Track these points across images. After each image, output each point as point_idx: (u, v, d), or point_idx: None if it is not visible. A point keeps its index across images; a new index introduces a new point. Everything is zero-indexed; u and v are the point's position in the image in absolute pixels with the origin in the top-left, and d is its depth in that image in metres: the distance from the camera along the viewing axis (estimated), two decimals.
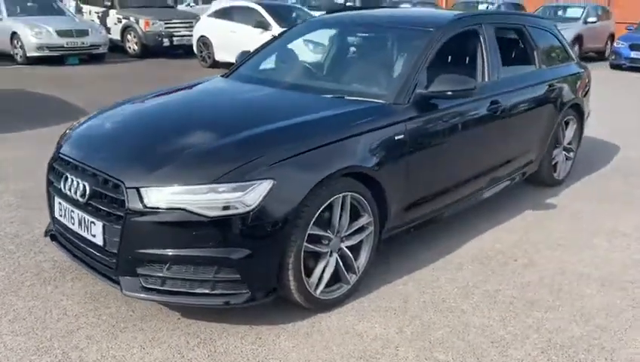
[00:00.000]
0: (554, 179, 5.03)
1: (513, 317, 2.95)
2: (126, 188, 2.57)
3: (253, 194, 2.54)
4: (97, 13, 14.90)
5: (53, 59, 12.18)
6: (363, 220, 3.07)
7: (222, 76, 4.10)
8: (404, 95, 3.32)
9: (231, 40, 11.71)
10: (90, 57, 12.88)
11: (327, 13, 4.97)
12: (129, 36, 14.18)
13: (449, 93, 3.33)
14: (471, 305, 3.07)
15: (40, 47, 11.95)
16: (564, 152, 5.12)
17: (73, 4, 16.01)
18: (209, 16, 12.93)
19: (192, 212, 2.49)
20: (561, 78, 4.90)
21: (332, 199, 2.82)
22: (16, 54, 12.22)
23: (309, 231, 2.73)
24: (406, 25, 3.97)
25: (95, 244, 2.71)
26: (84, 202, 2.71)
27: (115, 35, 14.37)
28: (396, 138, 3.17)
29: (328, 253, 2.92)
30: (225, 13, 12.56)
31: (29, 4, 13.21)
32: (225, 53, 11.95)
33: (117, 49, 14.25)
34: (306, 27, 4.46)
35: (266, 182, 2.57)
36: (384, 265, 3.44)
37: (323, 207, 2.78)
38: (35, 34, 11.92)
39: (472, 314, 2.97)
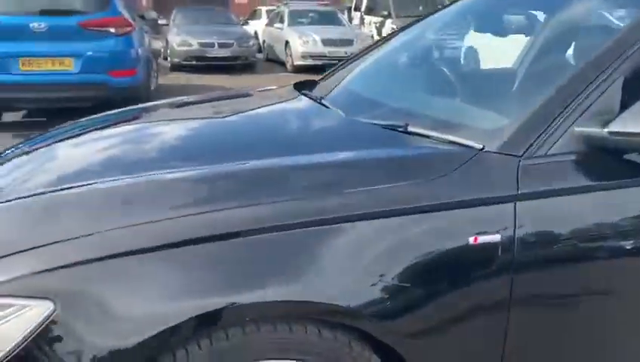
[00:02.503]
0: None
1: None
2: None
3: (6, 328, 1.11)
4: (375, 23, 14.53)
5: (318, 68, 12.16)
6: None
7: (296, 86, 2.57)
8: (532, 134, 1.36)
9: None
10: None
11: None
12: None
13: None
14: None
15: (304, 56, 12.03)
16: None
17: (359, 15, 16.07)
18: None
19: None
20: None
21: None
22: (287, 62, 12.61)
23: None
24: None
25: None
26: None
27: None
28: (479, 243, 1.26)
29: None
30: None
31: (310, 14, 13.59)
32: None
33: None
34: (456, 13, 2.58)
35: (39, 306, 1.11)
36: None
37: None
38: (302, 42, 12.07)
39: None
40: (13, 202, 1.41)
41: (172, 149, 1.71)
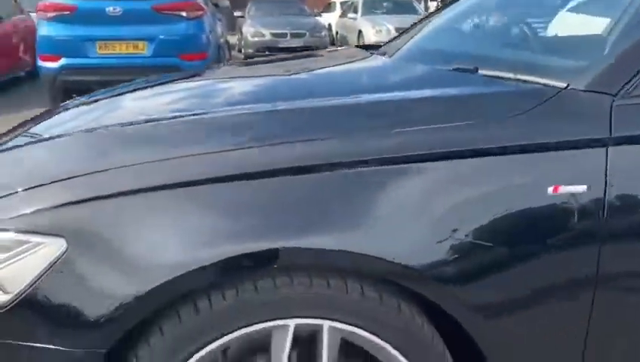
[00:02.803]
0: None
1: None
2: None
3: (16, 268, 1.02)
4: None
5: None
6: None
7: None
8: (630, 70, 1.12)
9: None
10: None
11: None
12: None
13: None
14: None
15: None
16: None
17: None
18: None
19: None
20: None
21: (259, 327, 1.02)
22: None
23: None
24: None
25: None
26: None
27: None
28: (560, 193, 1.04)
29: None
30: None
31: (385, 3, 13.32)
32: None
33: None
34: None
35: (51, 243, 1.01)
36: None
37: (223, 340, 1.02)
38: (375, 32, 11.81)
39: None
40: (63, 138, 1.35)
41: (240, 97, 1.59)
